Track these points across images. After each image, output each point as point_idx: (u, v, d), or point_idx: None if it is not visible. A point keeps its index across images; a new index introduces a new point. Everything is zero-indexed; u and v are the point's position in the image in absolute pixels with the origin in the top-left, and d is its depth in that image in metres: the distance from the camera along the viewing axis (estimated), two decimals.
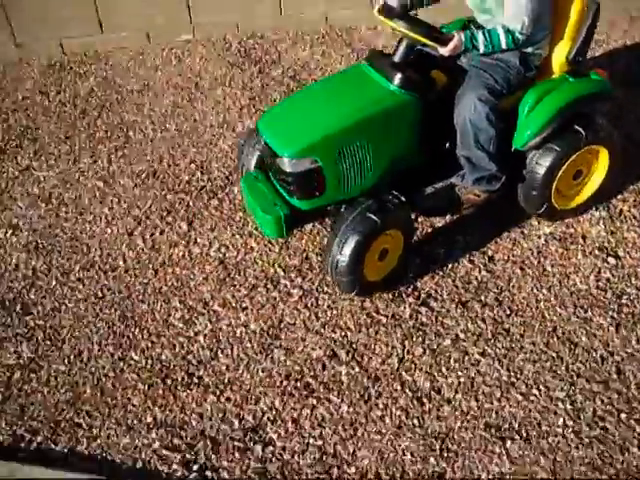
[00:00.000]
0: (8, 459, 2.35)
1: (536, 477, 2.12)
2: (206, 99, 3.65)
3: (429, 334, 2.52)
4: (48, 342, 2.68)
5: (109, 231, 3.04)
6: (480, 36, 2.50)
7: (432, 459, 2.20)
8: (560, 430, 2.23)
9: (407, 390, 2.38)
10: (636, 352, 2.37)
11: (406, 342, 2.51)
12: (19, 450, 2.39)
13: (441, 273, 2.70)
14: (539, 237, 2.79)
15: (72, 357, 2.62)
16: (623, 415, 2.22)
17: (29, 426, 2.44)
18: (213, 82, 3.75)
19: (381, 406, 2.35)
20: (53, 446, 2.40)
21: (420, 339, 2.51)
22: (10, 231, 3.09)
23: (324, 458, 2.24)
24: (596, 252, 2.72)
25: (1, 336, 2.72)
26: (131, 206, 3.13)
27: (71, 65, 4.00)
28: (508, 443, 2.21)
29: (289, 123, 2.55)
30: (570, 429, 2.22)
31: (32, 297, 2.83)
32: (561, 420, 2.25)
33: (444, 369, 2.42)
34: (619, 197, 2.89)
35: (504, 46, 2.51)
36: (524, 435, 2.22)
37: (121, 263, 2.91)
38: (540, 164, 2.63)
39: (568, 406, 2.28)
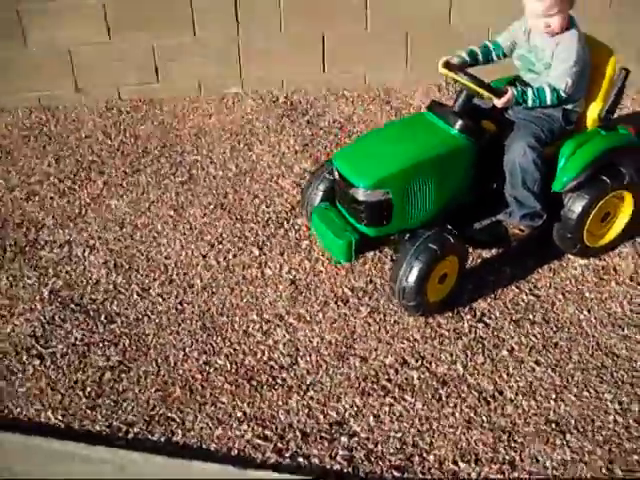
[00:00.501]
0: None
1: (595, 464, 2.44)
2: (261, 144, 4.03)
3: (487, 345, 2.86)
4: (134, 347, 2.95)
5: (184, 253, 3.35)
6: (530, 92, 2.90)
7: (501, 449, 2.51)
8: (611, 425, 2.56)
9: (473, 391, 2.70)
10: None
11: (468, 352, 2.85)
12: (117, 439, 2.62)
13: (492, 296, 3.07)
14: (575, 269, 3.18)
15: (159, 361, 2.89)
16: None
17: (124, 419, 2.68)
18: (266, 129, 4.13)
19: (451, 404, 2.66)
20: (150, 436, 2.64)
21: (480, 349, 2.85)
22: (88, 250, 3.38)
23: (405, 447, 2.53)
24: (627, 281, 3.11)
25: (89, 341, 2.98)
26: (203, 232, 3.45)
27: (128, 109, 4.36)
28: (567, 436, 2.53)
29: (364, 158, 2.92)
30: (620, 425, 2.56)
31: (115, 308, 3.11)
32: (611, 417, 2.58)
33: (504, 374, 2.76)
34: None
35: (549, 102, 2.91)
36: (581, 429, 2.55)
37: (198, 281, 3.21)
38: (573, 209, 3.02)
39: (616, 406, 2.62)
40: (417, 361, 2.82)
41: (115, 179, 3.81)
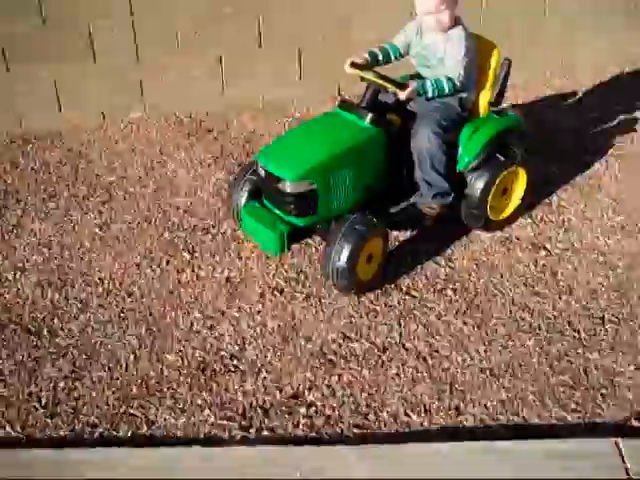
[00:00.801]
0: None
1: (528, 400, 2.77)
2: (173, 161, 4.20)
3: (417, 314, 3.16)
4: (84, 356, 3.02)
5: (117, 265, 3.46)
6: (429, 83, 3.23)
7: (446, 398, 2.79)
8: (536, 366, 2.90)
9: (412, 354, 2.98)
10: (576, 308, 3.13)
11: (401, 321, 3.13)
12: (83, 440, 2.70)
13: (415, 272, 3.37)
14: (483, 242, 3.55)
15: (111, 365, 2.98)
16: (580, 350, 2.95)
17: (87, 421, 2.76)
18: (176, 147, 4.31)
19: (394, 367, 2.93)
20: (115, 433, 2.74)
21: (411, 318, 3.14)
22: (19, 272, 3.42)
23: (359, 409, 2.77)
24: (530, 247, 3.51)
25: (36, 356, 3.03)
26: (132, 245, 3.57)
27: (33, 140, 4.41)
28: (501, 380, 2.85)
29: (287, 153, 3.17)
30: (543, 364, 2.91)
31: (57, 323, 3.17)
32: (535, 359, 2.93)
33: (436, 336, 3.05)
34: (538, 207, 3.74)
35: (446, 91, 3.23)
36: (511, 373, 2.87)
37: (136, 289, 3.33)
38: (476, 187, 3.37)
39: (538, 350, 2.97)
40: (357, 334, 3.06)
41: (34, 206, 3.84)
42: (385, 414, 2.74)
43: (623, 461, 2.39)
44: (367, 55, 3.33)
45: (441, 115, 3.26)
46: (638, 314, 3.10)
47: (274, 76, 4.64)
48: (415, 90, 3.18)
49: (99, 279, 3.39)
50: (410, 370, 2.90)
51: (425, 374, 2.89)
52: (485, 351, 2.97)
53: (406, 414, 2.74)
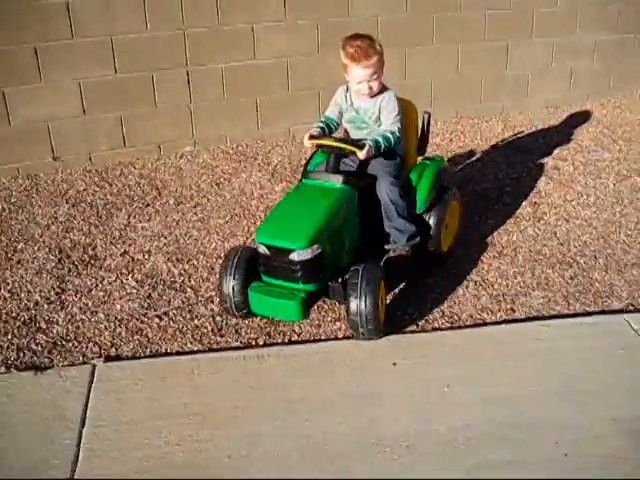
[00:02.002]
0: None
1: (556, 299, 4.02)
2: (237, 178, 5.29)
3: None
4: None
5: (227, 244, 4.52)
6: (381, 139, 3.56)
7: (502, 302, 4.02)
8: (557, 283, 4.18)
9: None
10: (576, 251, 4.34)
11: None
12: None
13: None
14: (435, 275, 4.09)
15: None
16: (584, 273, 4.24)
17: None
18: (233, 170, 5.44)
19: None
20: None
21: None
22: (147, 254, 4.39)
23: None
24: (531, 219, 4.85)
25: (192, 303, 4.02)
26: (233, 231, 4.62)
27: (104, 170, 5.40)
28: (537, 291, 4.11)
29: (288, 226, 3.37)
30: (562, 282, 4.18)
31: (193, 283, 4.18)
32: (556, 279, 4.20)
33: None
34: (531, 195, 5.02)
35: (393, 143, 3.60)
36: (542, 287, 4.14)
37: None
38: (432, 224, 3.84)
39: (556, 274, 4.24)
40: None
41: (135, 212, 4.82)
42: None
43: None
44: (318, 128, 3.69)
45: (392, 167, 3.68)
46: (617, 252, 4.42)
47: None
48: (372, 148, 3.50)
49: (217, 255, 4.38)
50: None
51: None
52: (520, 274, 4.18)
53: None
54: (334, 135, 3.78)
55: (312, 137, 3.61)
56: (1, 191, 5.08)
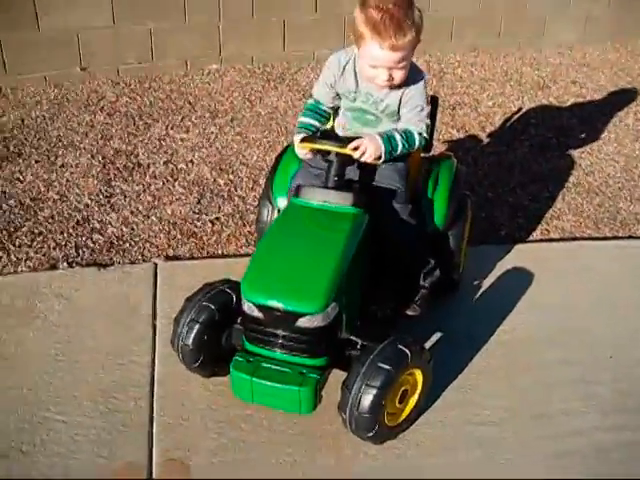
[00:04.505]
0: None
1: (587, 224, 4.32)
2: (268, 97, 5.45)
3: None
4: None
5: (269, 157, 4.71)
6: (397, 136, 2.56)
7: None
8: (585, 210, 4.48)
9: None
10: (601, 181, 4.64)
11: None
12: None
13: None
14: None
15: None
16: (611, 201, 4.55)
17: None
18: (262, 88, 5.58)
19: None
20: None
21: None
22: (190, 164, 4.56)
23: None
24: (558, 156, 5.12)
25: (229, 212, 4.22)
26: (278, 138, 4.83)
27: (133, 82, 5.51)
28: (567, 217, 4.41)
29: (290, 278, 2.36)
30: (591, 209, 4.49)
31: (238, 192, 4.38)
32: (585, 206, 4.51)
33: None
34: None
35: (416, 147, 2.67)
36: (573, 212, 4.43)
37: None
38: (454, 242, 3.04)
39: (585, 202, 4.54)
40: None
41: (173, 124, 4.97)
42: None
43: None
44: (303, 130, 2.75)
45: (402, 183, 2.72)
46: (639, 184, 4.73)
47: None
48: (378, 146, 2.54)
49: (259, 167, 4.56)
50: None
51: None
52: (552, 199, 4.46)
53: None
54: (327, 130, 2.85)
55: (305, 139, 2.64)
56: (32, 98, 5.13)
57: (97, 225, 3.92)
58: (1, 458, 2.55)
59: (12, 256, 3.64)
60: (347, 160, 2.56)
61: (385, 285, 2.78)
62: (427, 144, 2.95)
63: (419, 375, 2.54)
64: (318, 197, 2.57)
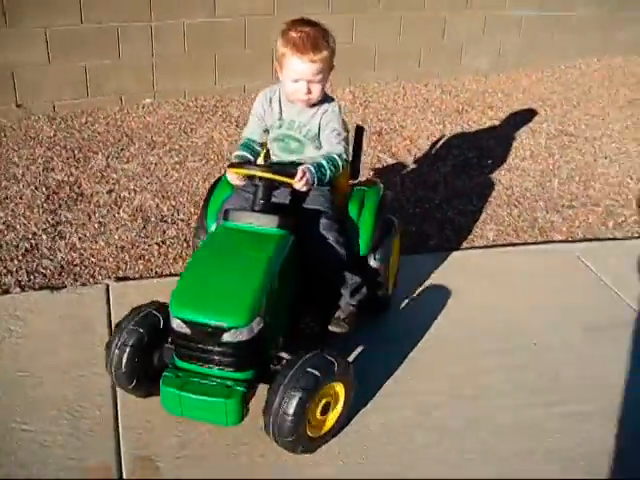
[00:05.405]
0: None
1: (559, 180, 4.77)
2: (203, 128, 5.78)
3: None
4: None
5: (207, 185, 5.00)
6: (325, 163, 2.81)
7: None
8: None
9: None
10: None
11: None
12: None
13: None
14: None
15: None
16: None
17: None
18: (197, 120, 5.90)
19: None
20: None
21: None
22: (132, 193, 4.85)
23: None
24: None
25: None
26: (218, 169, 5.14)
27: (69, 118, 5.72)
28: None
29: (215, 294, 2.51)
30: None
31: None
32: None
33: None
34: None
35: (341, 169, 2.90)
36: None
37: None
38: (378, 262, 3.21)
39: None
40: None
41: (115, 154, 5.23)
42: None
43: None
44: (240, 155, 3.00)
45: (327, 206, 2.93)
46: (554, 196, 5.22)
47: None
48: (313, 174, 2.76)
49: (200, 194, 4.86)
50: None
51: None
52: (476, 212, 4.91)
53: None
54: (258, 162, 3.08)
55: (234, 165, 2.84)
56: None
57: (46, 252, 4.10)
58: None
59: None
60: (273, 185, 2.76)
61: (313, 303, 2.99)
62: (355, 171, 3.30)
63: (341, 389, 2.69)
64: (245, 219, 2.75)
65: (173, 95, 6.13)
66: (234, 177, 2.91)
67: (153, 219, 4.44)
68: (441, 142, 5.75)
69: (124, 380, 2.76)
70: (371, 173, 5.08)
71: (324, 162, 2.84)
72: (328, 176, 2.85)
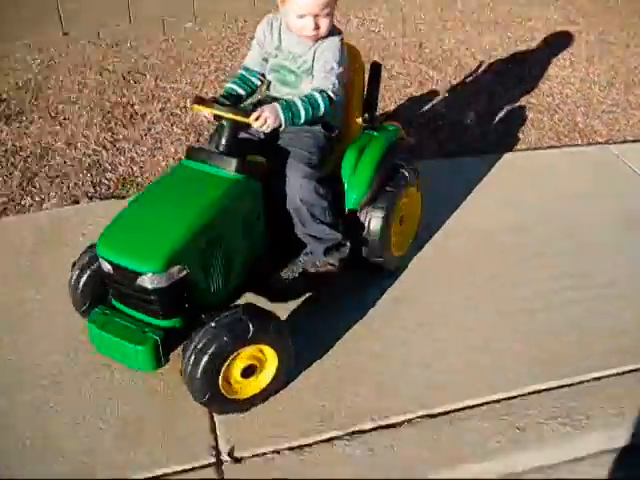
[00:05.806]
0: None
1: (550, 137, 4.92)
2: (244, 50, 5.94)
3: None
4: None
5: None
6: (299, 102, 2.55)
7: None
8: (550, 125, 5.08)
9: None
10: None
11: None
12: None
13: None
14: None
15: None
16: (581, 117, 5.16)
17: None
18: (240, 43, 6.02)
19: None
20: None
21: None
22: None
23: None
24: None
25: None
26: None
27: (114, 44, 5.94)
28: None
29: (141, 237, 2.39)
30: (556, 123, 5.09)
31: None
32: (550, 124, 5.11)
33: None
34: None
35: (322, 108, 2.61)
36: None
37: None
38: (374, 224, 2.88)
39: (552, 122, 5.14)
40: None
41: (161, 74, 5.43)
42: None
43: None
44: (224, 93, 2.85)
45: (309, 149, 2.70)
46: (593, 103, 5.33)
47: None
48: (277, 115, 2.52)
49: None
50: None
51: None
52: (521, 118, 5.05)
53: None
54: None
55: (200, 100, 2.63)
56: (20, 63, 5.51)
57: (108, 166, 4.34)
58: None
59: (35, 197, 4.05)
60: (240, 127, 2.58)
61: (284, 255, 2.82)
62: (369, 113, 3.00)
63: (270, 351, 2.51)
64: (205, 159, 2.58)
65: (213, 19, 6.23)
66: (204, 113, 2.66)
67: (206, 133, 4.63)
68: (480, 54, 5.83)
69: (76, 302, 2.72)
70: (409, 89, 5.20)
71: (297, 101, 2.59)
72: (303, 116, 2.60)
